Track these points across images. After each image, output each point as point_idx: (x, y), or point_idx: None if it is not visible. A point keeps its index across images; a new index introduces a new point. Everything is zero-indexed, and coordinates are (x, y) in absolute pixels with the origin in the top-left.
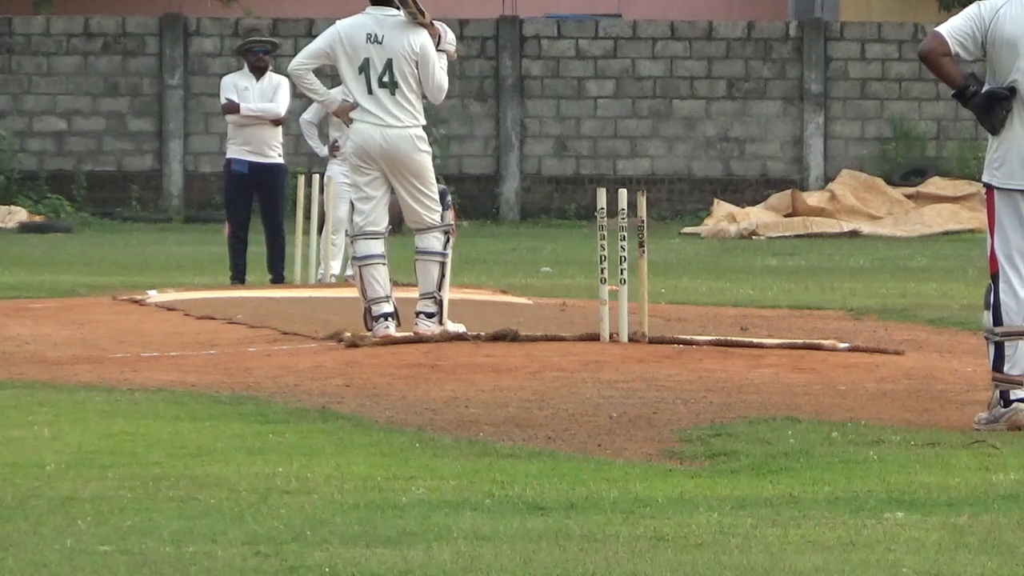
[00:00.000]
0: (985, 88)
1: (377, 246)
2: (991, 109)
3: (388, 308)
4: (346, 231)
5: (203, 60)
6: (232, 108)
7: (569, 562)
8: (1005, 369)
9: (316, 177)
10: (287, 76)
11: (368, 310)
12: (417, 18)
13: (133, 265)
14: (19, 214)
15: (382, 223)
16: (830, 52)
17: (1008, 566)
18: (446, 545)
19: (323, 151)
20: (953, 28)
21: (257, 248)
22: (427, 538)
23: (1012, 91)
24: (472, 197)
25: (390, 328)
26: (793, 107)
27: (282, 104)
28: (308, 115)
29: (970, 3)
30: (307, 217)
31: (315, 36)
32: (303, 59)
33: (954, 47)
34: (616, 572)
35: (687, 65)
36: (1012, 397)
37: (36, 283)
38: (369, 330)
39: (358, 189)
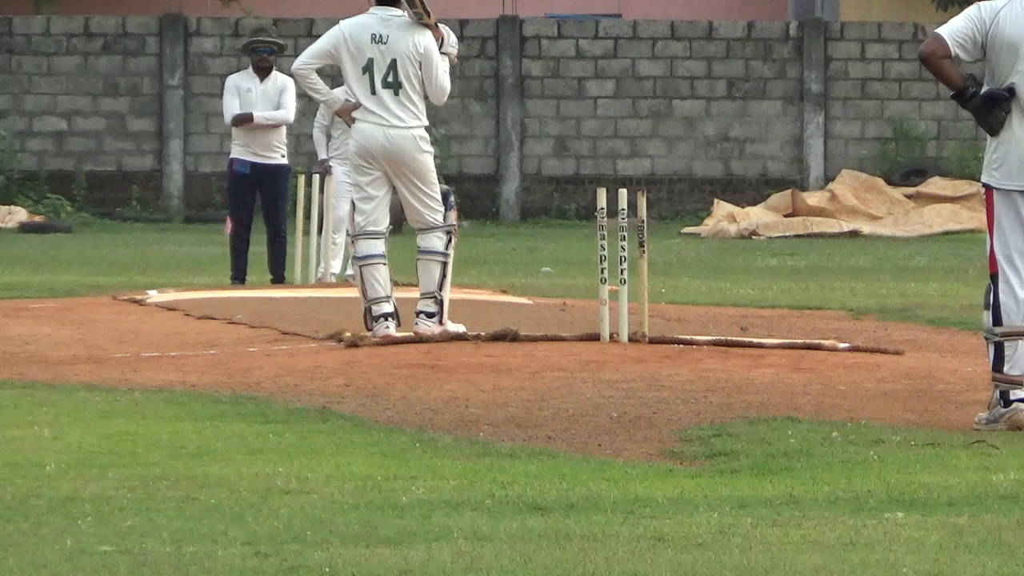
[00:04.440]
0: (984, 89)
1: (378, 246)
2: (990, 110)
3: (388, 308)
4: (347, 230)
5: (203, 60)
6: (245, 119)
7: (569, 562)
8: (1005, 369)
9: (316, 177)
10: (291, 76)
11: (368, 310)
12: (423, 18)
13: (133, 265)
14: (19, 214)
15: (383, 223)
16: (830, 52)
17: (1008, 566)
18: (446, 545)
19: (322, 154)
20: (953, 30)
21: (257, 248)
22: (427, 538)
23: (1011, 92)
24: (472, 197)
25: (390, 328)
26: (793, 107)
27: (291, 108)
28: (323, 120)
29: (967, 3)
30: (307, 217)
31: (315, 36)
32: (307, 59)
33: (954, 49)
34: (616, 572)
35: (687, 65)
36: (1012, 397)
37: (36, 283)
38: (369, 330)
39: (360, 189)
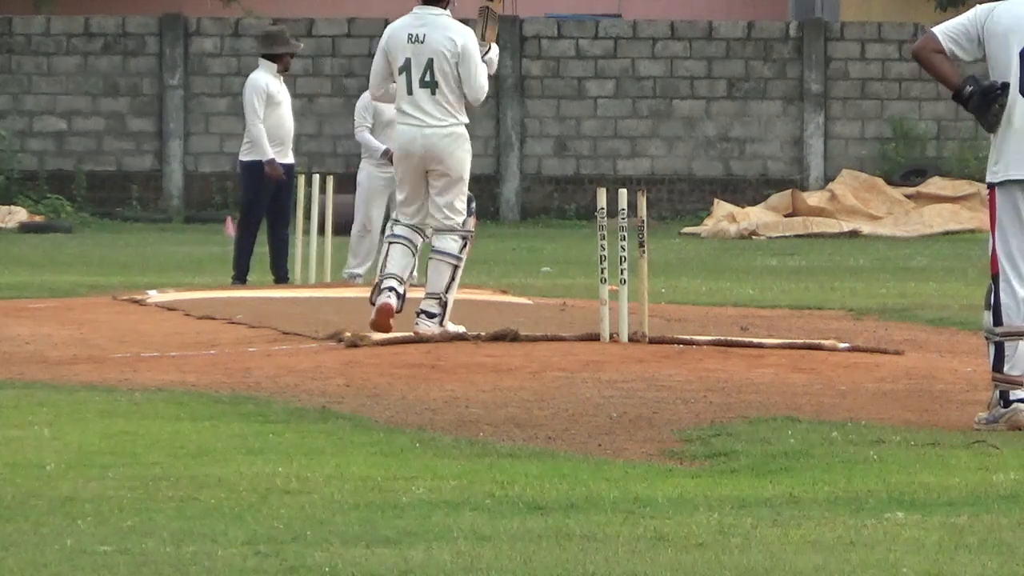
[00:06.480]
0: (979, 85)
1: (411, 233)
2: (988, 107)
3: (395, 284)
4: (383, 229)
5: (203, 60)
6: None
7: (569, 562)
8: (1005, 369)
9: (316, 177)
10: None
11: (379, 283)
12: (482, 36)
13: (133, 265)
14: (19, 214)
15: (417, 218)
16: (830, 52)
17: (1008, 566)
18: (446, 545)
19: (376, 144)
20: (947, 26)
21: (257, 248)
22: (427, 538)
23: (1005, 86)
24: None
25: (390, 298)
26: (793, 107)
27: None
28: (367, 121)
29: (966, 2)
30: (307, 217)
31: (316, 36)
32: (375, 84)
33: (947, 44)
34: (616, 572)
35: (687, 65)
36: (1012, 397)
37: (36, 283)
38: (372, 304)
39: (401, 187)
